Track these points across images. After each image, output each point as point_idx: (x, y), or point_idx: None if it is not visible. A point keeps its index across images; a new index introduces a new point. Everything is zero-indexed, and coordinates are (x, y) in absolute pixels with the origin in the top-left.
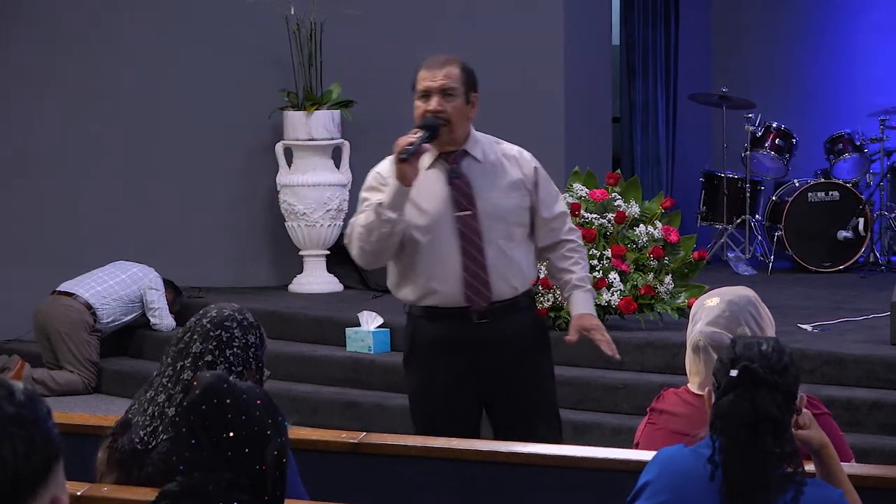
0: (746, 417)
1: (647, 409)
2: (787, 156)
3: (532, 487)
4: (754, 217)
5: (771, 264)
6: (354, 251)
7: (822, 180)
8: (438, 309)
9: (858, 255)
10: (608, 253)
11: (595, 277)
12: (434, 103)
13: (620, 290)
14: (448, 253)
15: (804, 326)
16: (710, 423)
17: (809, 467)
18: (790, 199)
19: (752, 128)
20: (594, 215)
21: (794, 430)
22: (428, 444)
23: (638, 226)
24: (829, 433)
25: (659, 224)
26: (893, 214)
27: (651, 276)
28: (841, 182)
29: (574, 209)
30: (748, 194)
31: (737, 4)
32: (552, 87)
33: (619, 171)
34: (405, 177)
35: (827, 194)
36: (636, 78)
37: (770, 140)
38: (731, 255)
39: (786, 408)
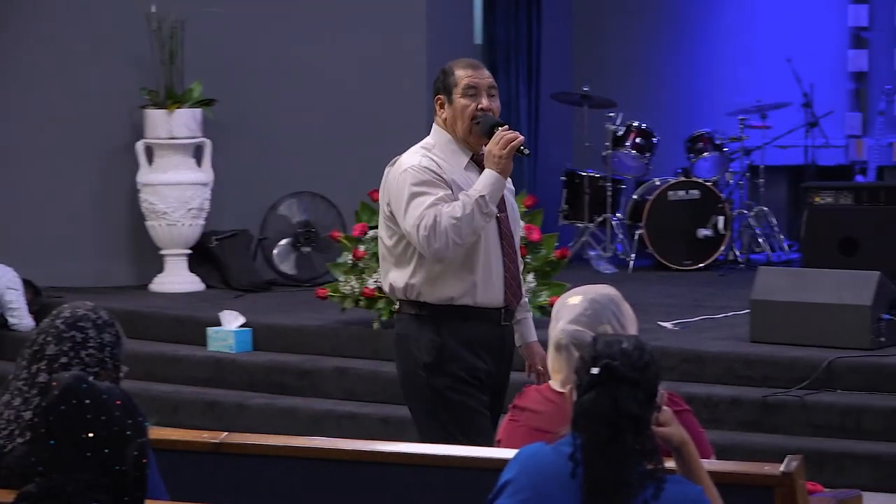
0: (607, 415)
1: (510, 407)
2: (648, 155)
3: (395, 486)
4: (615, 216)
5: (632, 262)
6: (440, 244)
7: (683, 179)
8: (474, 308)
9: (718, 254)
10: None
11: None
12: (485, 102)
13: None
14: (493, 252)
15: (665, 324)
16: (572, 421)
17: (670, 464)
18: (651, 198)
19: (613, 127)
20: None
21: (655, 427)
22: (290, 444)
23: None
24: (689, 430)
25: (521, 222)
26: (752, 213)
27: None
28: (701, 181)
29: None
30: (609, 193)
31: (598, 5)
32: (415, 87)
33: None
34: (507, 171)
35: (687, 193)
36: (498, 77)
37: (631, 139)
38: (592, 253)
39: (646, 405)
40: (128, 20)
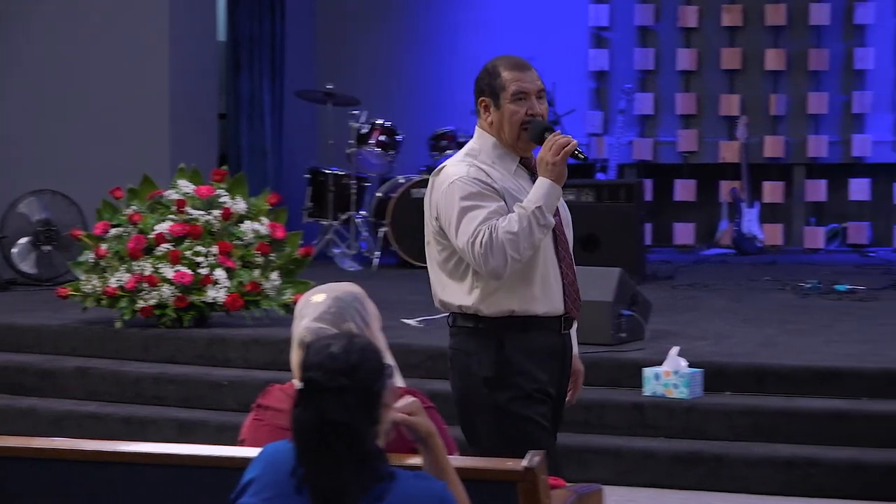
0: (315, 426)
1: (253, 406)
2: (392, 152)
3: (138, 486)
4: (360, 213)
5: (376, 260)
6: (497, 262)
7: (427, 177)
8: (535, 318)
9: None
10: (214, 250)
11: (200, 275)
12: (536, 106)
13: (227, 286)
14: (550, 260)
15: (409, 321)
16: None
17: (417, 460)
18: (395, 196)
19: (357, 125)
20: (200, 212)
21: (402, 416)
22: (30, 445)
23: (244, 222)
24: None
25: (265, 220)
26: None
27: (257, 272)
28: None
29: (179, 206)
30: (354, 191)
31: (341, 3)
32: (157, 85)
33: (225, 167)
34: (562, 178)
35: None
36: (242, 74)
37: (375, 137)
38: (336, 251)
39: (362, 407)
40: None
